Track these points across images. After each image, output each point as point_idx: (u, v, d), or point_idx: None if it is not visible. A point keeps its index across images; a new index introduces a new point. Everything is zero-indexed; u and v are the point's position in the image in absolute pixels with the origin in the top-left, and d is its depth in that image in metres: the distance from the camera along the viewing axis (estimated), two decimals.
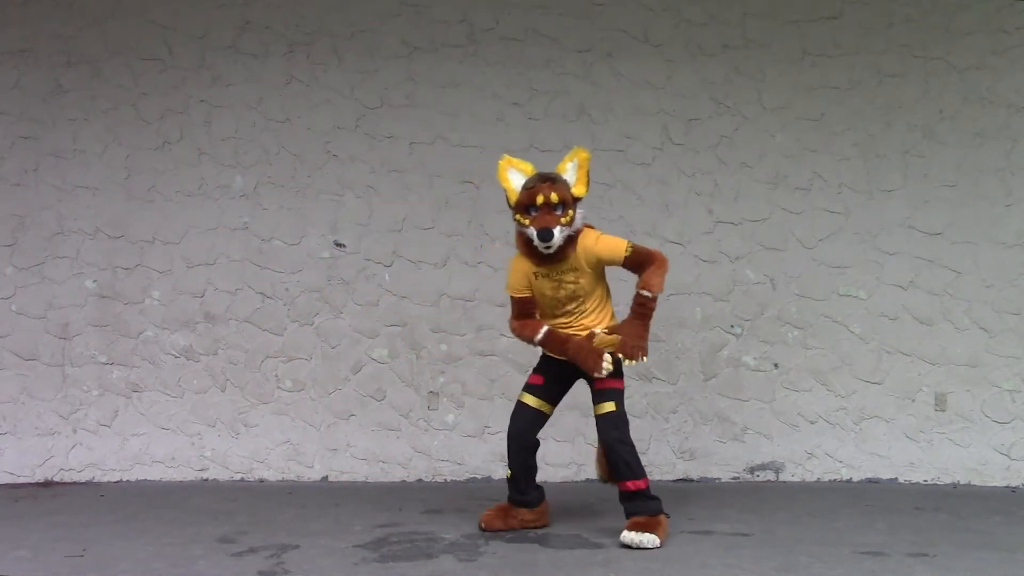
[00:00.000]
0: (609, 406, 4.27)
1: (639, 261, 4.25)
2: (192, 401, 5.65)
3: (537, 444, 4.49)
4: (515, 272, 4.41)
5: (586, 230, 4.31)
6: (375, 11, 5.68)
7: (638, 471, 4.28)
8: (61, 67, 5.63)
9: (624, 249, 4.25)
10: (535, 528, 4.49)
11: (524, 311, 4.42)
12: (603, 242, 4.28)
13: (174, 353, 5.65)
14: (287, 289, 5.68)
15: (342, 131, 5.68)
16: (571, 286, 4.29)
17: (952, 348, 5.60)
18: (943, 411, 5.60)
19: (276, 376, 5.67)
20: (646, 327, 4.26)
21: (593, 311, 4.36)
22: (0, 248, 5.62)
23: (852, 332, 5.64)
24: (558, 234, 4.16)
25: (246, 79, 5.67)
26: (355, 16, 5.68)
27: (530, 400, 4.45)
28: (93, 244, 5.64)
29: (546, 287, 4.32)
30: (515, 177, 4.33)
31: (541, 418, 4.47)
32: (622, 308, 4.46)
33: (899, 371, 5.62)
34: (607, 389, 4.30)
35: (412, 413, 5.67)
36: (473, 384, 5.66)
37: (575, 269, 4.27)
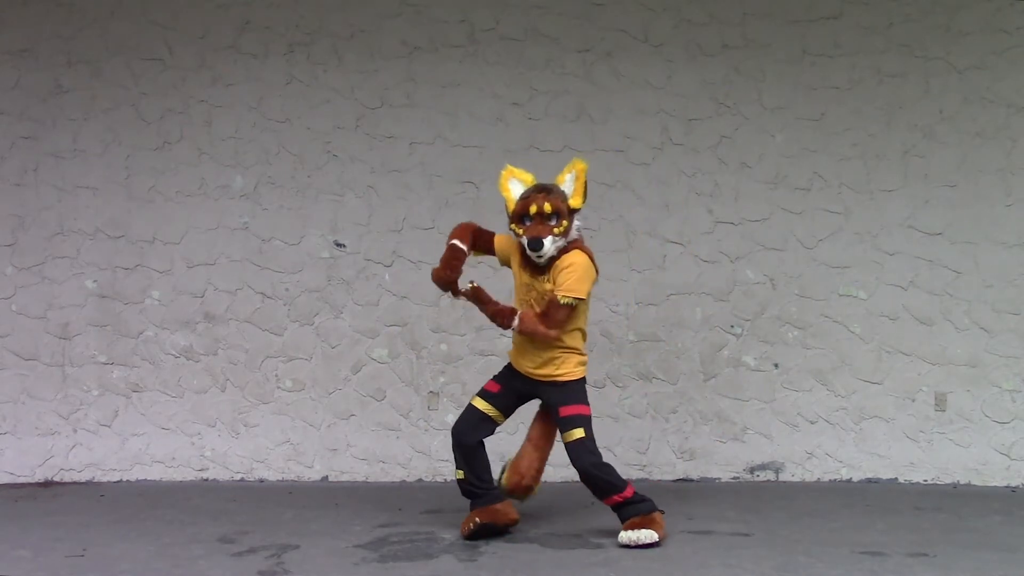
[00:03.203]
0: (578, 432, 4.26)
1: (548, 311, 4.19)
2: (192, 401, 5.65)
3: (481, 446, 4.45)
4: (507, 242, 4.44)
5: (573, 251, 4.25)
6: (375, 11, 5.68)
7: (620, 484, 4.28)
8: (61, 67, 5.63)
9: (563, 292, 4.17)
10: (511, 524, 4.42)
11: (480, 233, 4.46)
12: (566, 274, 4.20)
13: (174, 353, 5.65)
14: (287, 289, 5.68)
15: (342, 131, 5.68)
16: (540, 294, 4.28)
17: (952, 348, 5.60)
18: (943, 411, 5.60)
19: (276, 376, 5.67)
20: (489, 309, 4.26)
21: None
22: (0, 248, 5.62)
23: (852, 332, 5.64)
24: (548, 244, 4.17)
25: (246, 79, 5.67)
26: (355, 16, 5.68)
27: (479, 403, 4.44)
28: (93, 244, 5.64)
29: (524, 278, 4.35)
30: (515, 187, 4.37)
31: (488, 423, 4.44)
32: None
33: (899, 371, 5.62)
34: (573, 416, 4.29)
35: (412, 413, 5.67)
36: (473, 384, 5.64)
37: (551, 280, 4.26)
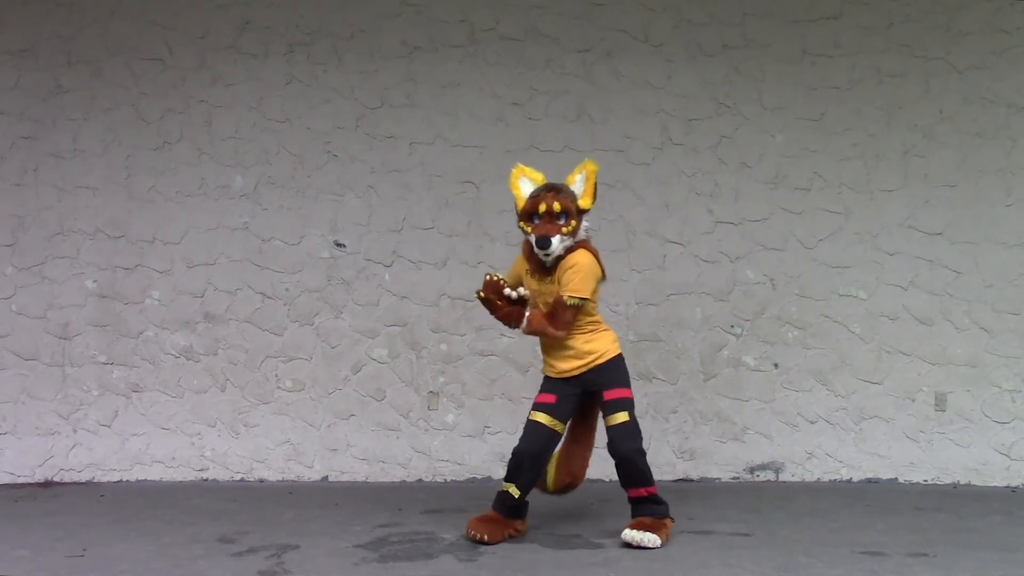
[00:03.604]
0: (623, 416, 4.25)
1: (555, 311, 4.19)
2: (192, 401, 5.65)
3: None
4: (513, 267, 4.49)
5: (579, 250, 4.24)
6: (375, 11, 5.68)
7: (650, 478, 4.29)
8: (61, 67, 5.63)
9: (568, 293, 4.17)
10: (517, 536, 4.42)
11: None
12: (570, 274, 4.19)
13: (174, 353, 5.65)
14: (287, 289, 5.68)
15: (342, 131, 5.68)
16: (549, 297, 4.27)
17: (952, 348, 5.60)
18: (943, 411, 5.60)
19: (276, 376, 5.67)
20: (501, 312, 4.27)
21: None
22: (0, 248, 5.62)
23: (852, 332, 5.64)
24: (556, 243, 4.17)
25: (246, 79, 5.67)
26: (355, 16, 5.68)
27: (543, 419, 4.33)
28: (93, 244, 5.64)
29: (533, 284, 4.35)
30: (525, 186, 4.36)
31: (556, 437, 4.38)
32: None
33: (899, 371, 5.62)
34: (618, 399, 4.27)
35: (412, 413, 5.67)
36: (473, 384, 5.66)
37: (556, 281, 4.25)
